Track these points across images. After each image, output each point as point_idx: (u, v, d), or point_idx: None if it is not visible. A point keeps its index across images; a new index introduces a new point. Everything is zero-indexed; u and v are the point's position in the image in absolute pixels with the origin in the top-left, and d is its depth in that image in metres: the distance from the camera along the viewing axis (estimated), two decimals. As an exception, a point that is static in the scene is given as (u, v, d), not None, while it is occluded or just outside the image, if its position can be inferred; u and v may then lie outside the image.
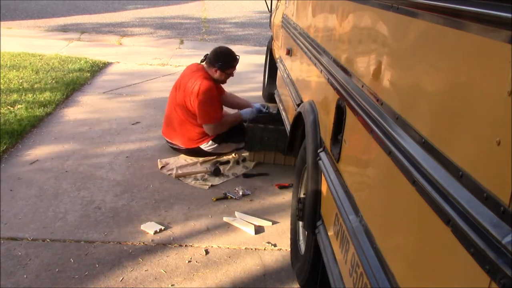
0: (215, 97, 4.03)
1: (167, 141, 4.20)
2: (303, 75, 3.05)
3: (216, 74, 4.07)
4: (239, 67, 4.39)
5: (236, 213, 3.27)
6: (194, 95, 3.93)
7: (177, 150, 4.15)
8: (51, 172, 3.63)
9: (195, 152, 4.10)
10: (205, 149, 4.09)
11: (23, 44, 7.81)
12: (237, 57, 4.17)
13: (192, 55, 8.02)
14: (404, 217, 1.32)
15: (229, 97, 4.55)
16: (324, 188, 2.22)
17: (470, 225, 0.95)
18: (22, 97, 5.04)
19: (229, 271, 2.68)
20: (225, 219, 3.20)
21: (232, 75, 4.23)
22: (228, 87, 4.63)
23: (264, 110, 4.45)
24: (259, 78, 6.42)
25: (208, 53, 4.15)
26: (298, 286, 2.60)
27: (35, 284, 2.46)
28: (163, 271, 2.64)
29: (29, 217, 3.02)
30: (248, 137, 4.03)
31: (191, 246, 2.89)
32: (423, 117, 1.25)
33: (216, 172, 3.78)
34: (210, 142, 4.08)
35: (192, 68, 4.22)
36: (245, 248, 2.91)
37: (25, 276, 2.51)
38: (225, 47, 4.23)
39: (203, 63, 4.16)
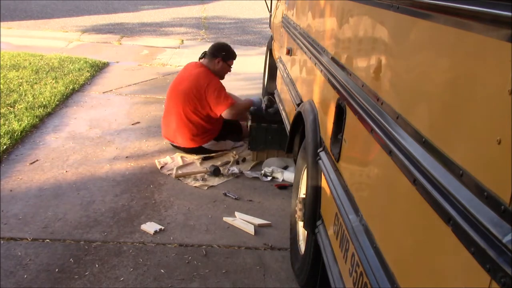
0: (222, 85, 4.11)
1: (168, 140, 4.22)
2: (303, 75, 3.05)
3: (218, 66, 4.15)
4: (240, 67, 4.40)
5: (236, 213, 3.27)
6: (202, 91, 3.99)
7: (177, 148, 4.17)
8: (51, 172, 3.63)
9: (196, 150, 4.11)
10: (205, 146, 4.13)
11: (23, 44, 7.81)
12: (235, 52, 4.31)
13: (192, 55, 8.03)
14: (404, 216, 1.32)
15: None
16: (324, 187, 2.22)
17: (470, 224, 0.94)
18: (22, 97, 5.04)
19: (229, 271, 2.68)
20: (225, 219, 3.19)
21: (230, 70, 4.32)
22: (228, 87, 4.63)
23: (259, 102, 4.48)
24: (259, 78, 6.42)
25: (206, 50, 4.24)
26: (298, 286, 2.60)
27: (35, 284, 2.46)
28: (163, 271, 2.64)
29: (29, 217, 3.02)
30: (252, 137, 4.05)
31: (191, 246, 2.89)
32: (423, 116, 1.25)
33: (216, 172, 3.78)
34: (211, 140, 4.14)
35: (191, 67, 4.26)
36: (245, 248, 2.91)
37: (25, 276, 2.51)
38: (224, 42, 4.35)
39: (202, 60, 4.22)
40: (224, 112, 4.05)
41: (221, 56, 4.13)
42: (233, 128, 4.31)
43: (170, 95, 4.23)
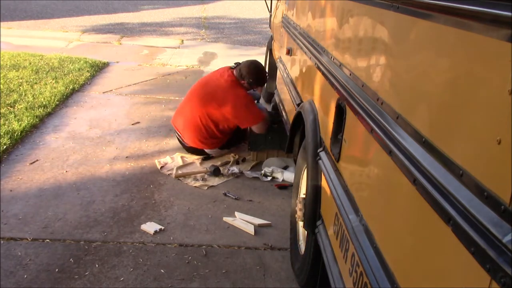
0: (251, 100, 4.07)
1: (175, 129, 4.21)
2: (303, 75, 3.05)
3: (244, 86, 4.08)
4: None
5: (236, 213, 3.27)
6: (230, 106, 3.90)
7: (180, 141, 4.17)
8: (51, 172, 3.63)
9: (197, 151, 4.11)
10: (208, 151, 4.12)
11: (23, 44, 7.81)
12: (267, 76, 4.29)
13: (192, 55, 8.03)
14: (404, 216, 1.32)
15: None
16: (324, 187, 2.22)
17: (470, 224, 0.94)
18: (22, 97, 5.04)
19: (229, 271, 2.68)
20: (225, 219, 3.19)
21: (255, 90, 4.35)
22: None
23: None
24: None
25: (240, 62, 4.13)
26: (298, 286, 2.60)
27: (35, 284, 2.46)
28: (163, 271, 2.64)
29: (29, 217, 3.02)
30: (252, 137, 4.05)
31: (191, 246, 2.89)
32: (423, 116, 1.25)
33: (216, 172, 3.78)
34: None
35: (224, 74, 4.09)
36: (245, 248, 2.91)
37: (25, 276, 2.51)
38: (259, 65, 4.18)
39: (234, 71, 4.07)
40: (255, 127, 4.01)
41: (247, 81, 4.04)
42: (239, 136, 4.25)
43: (194, 93, 4.12)
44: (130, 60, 7.44)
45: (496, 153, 0.90)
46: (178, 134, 4.18)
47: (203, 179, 3.72)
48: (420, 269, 1.19)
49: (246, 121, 4.00)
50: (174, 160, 4.00)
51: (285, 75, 3.75)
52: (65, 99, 5.29)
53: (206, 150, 4.11)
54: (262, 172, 3.88)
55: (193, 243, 2.91)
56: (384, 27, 1.62)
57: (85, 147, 4.13)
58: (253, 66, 4.12)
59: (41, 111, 4.73)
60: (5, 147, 3.88)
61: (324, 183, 2.20)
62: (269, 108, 4.52)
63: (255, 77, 4.08)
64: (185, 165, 3.95)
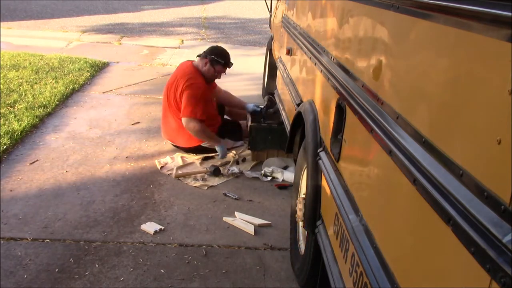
0: (200, 94, 4.00)
1: (169, 141, 4.24)
2: (303, 75, 3.05)
3: (205, 67, 4.09)
4: (240, 67, 4.39)
5: (236, 213, 3.27)
6: (181, 90, 3.99)
7: (178, 148, 4.18)
8: (51, 172, 3.63)
9: (196, 150, 4.11)
10: (203, 145, 4.13)
11: (23, 44, 7.81)
12: (231, 62, 4.22)
13: (192, 55, 8.03)
14: (404, 216, 1.32)
15: (224, 94, 4.60)
16: (324, 187, 2.22)
17: (470, 224, 0.95)
18: (22, 97, 5.04)
19: (229, 271, 2.68)
20: (225, 219, 3.19)
21: (219, 77, 4.22)
22: (229, 87, 4.65)
23: (258, 109, 4.48)
24: (260, 78, 6.42)
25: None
26: (298, 286, 2.60)
27: (35, 284, 2.46)
28: (163, 271, 2.64)
29: (29, 217, 3.02)
30: (252, 137, 4.05)
31: (191, 246, 2.89)
32: (423, 116, 1.25)
33: (216, 173, 3.78)
34: None
35: (182, 65, 4.27)
36: (245, 248, 2.91)
37: (25, 276, 2.51)
38: (224, 49, 4.28)
39: (197, 57, 4.20)
40: (182, 119, 4.00)
41: (209, 58, 4.07)
42: (233, 127, 4.32)
43: (164, 95, 4.24)
44: (130, 60, 7.44)
45: (496, 153, 0.90)
46: (172, 144, 4.21)
47: (203, 179, 3.72)
48: (420, 269, 1.19)
49: (183, 108, 3.98)
50: (174, 160, 4.00)
51: (285, 75, 3.75)
52: (65, 99, 5.29)
53: (203, 144, 4.10)
54: (262, 172, 3.88)
55: (193, 243, 2.91)
56: (384, 27, 1.62)
57: (85, 147, 4.13)
58: (216, 46, 4.29)
59: (41, 111, 4.73)
60: (5, 147, 3.88)
61: (324, 183, 2.20)
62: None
63: (215, 52, 4.13)
64: (185, 165, 3.95)
